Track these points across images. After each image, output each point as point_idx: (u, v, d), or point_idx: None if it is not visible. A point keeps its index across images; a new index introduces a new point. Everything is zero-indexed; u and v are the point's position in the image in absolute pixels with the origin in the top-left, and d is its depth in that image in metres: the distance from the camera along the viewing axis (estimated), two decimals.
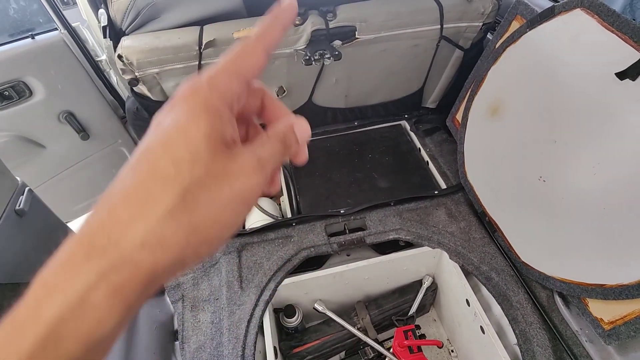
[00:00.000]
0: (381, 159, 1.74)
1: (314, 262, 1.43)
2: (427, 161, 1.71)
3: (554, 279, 1.14)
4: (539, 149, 1.16)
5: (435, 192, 1.51)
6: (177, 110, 0.25)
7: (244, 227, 1.69)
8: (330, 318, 1.42)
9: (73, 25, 1.57)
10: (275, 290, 1.27)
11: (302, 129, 0.32)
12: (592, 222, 1.01)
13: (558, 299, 1.17)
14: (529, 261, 1.22)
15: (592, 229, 1.02)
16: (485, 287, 1.25)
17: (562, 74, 1.07)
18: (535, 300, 1.19)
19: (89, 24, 1.57)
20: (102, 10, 1.24)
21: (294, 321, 1.35)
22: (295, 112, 1.69)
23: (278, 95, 1.56)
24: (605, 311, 1.01)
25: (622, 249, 0.94)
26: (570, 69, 1.04)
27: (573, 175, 1.06)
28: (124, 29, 1.27)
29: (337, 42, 1.34)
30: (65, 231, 1.07)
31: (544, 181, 1.15)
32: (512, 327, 1.15)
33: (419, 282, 1.49)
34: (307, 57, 1.31)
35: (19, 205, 0.86)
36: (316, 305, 1.41)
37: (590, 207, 1.02)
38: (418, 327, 1.45)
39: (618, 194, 0.94)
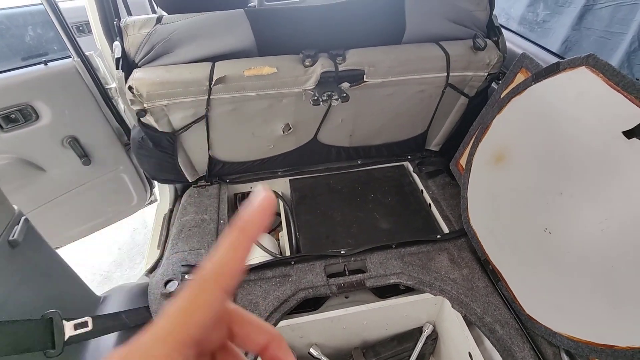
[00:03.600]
0: (383, 199, 1.72)
1: (311, 303, 1.38)
2: (430, 204, 1.69)
3: (561, 336, 1.09)
4: (544, 200, 1.15)
5: (438, 237, 1.49)
6: None
7: None
8: None
9: (86, 53, 1.60)
10: None
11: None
12: (599, 279, 0.99)
13: (565, 358, 1.12)
14: (535, 315, 1.18)
15: (600, 287, 0.99)
16: (489, 339, 1.20)
17: (567, 128, 1.08)
18: (542, 358, 1.14)
19: (101, 52, 1.60)
20: (116, 43, 1.27)
21: None
22: (300, 149, 1.71)
23: (284, 132, 1.57)
24: None
25: (633, 310, 0.91)
26: (576, 123, 1.05)
27: (580, 229, 1.05)
28: (136, 62, 1.28)
29: (345, 85, 1.36)
30: (56, 262, 1.03)
31: (550, 233, 1.13)
32: None
33: (419, 330, 1.44)
34: (316, 98, 1.33)
35: (13, 236, 0.83)
36: (311, 350, 1.35)
37: (597, 263, 1.00)
38: None
39: (627, 253, 0.92)
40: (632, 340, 0.90)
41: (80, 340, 0.91)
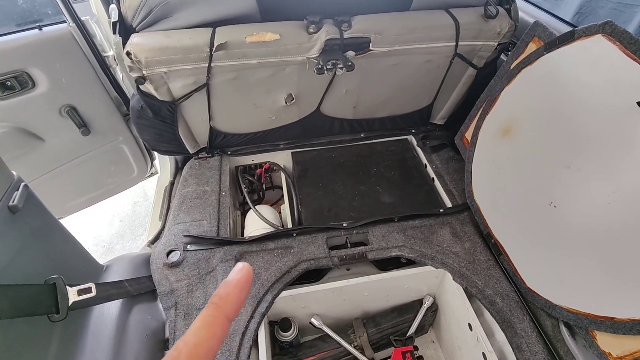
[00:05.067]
0: (386, 173, 1.71)
1: (312, 275, 1.39)
2: (433, 178, 1.68)
3: (561, 308, 1.10)
4: (551, 173, 1.13)
5: (441, 211, 1.48)
6: None
7: (242, 234, 1.65)
8: (327, 334, 1.37)
9: (82, 19, 1.54)
10: (272, 302, 1.23)
11: None
12: (604, 252, 0.98)
13: (564, 329, 1.13)
14: (535, 288, 1.19)
15: (604, 260, 0.99)
16: (489, 311, 1.22)
17: (579, 99, 1.05)
18: (540, 329, 1.15)
19: (98, 18, 1.54)
20: (113, 6, 1.21)
21: (289, 335, 1.30)
22: (303, 121, 1.67)
23: (286, 103, 1.53)
24: (614, 345, 0.98)
25: (636, 283, 0.91)
26: (589, 94, 1.02)
27: (586, 203, 1.03)
28: (134, 26, 1.24)
29: (351, 53, 1.31)
30: (58, 230, 1.02)
31: (555, 207, 1.12)
32: (515, 356, 1.11)
33: (419, 302, 1.45)
34: (320, 66, 1.28)
35: (13, 202, 0.82)
36: (313, 320, 1.37)
37: (602, 236, 0.99)
38: (416, 348, 1.41)
39: (633, 226, 0.91)
40: (633, 313, 0.90)
41: (84, 306, 0.91)
